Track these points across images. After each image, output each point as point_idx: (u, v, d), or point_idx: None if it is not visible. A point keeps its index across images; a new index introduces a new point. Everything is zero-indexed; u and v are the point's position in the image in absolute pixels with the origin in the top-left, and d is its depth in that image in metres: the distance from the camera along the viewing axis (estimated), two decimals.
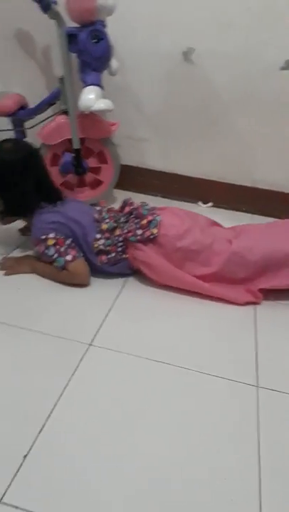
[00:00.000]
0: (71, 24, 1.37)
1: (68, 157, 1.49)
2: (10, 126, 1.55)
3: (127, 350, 0.94)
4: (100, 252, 1.16)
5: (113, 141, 1.57)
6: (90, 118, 1.44)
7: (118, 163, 1.60)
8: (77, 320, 1.03)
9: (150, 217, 1.16)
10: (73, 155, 1.48)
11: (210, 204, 1.79)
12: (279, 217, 1.70)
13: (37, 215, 1.16)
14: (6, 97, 1.50)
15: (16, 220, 1.24)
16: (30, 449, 0.70)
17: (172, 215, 1.21)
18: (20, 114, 1.50)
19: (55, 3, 1.36)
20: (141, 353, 0.93)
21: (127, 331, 1.00)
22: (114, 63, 1.46)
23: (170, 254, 1.14)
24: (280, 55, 1.48)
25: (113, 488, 0.66)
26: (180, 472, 0.70)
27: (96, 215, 1.20)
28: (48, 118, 1.51)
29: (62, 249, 1.12)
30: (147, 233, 1.14)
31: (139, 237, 1.14)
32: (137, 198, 1.75)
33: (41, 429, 0.74)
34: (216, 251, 1.15)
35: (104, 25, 1.37)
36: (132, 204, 1.23)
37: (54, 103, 1.50)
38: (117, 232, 1.17)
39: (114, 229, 1.17)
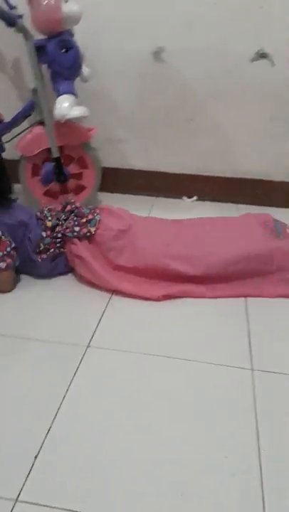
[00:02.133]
0: (38, 36, 1.39)
1: (49, 167, 1.52)
2: None
3: (124, 347, 0.97)
4: (40, 251, 1.20)
5: (92, 146, 1.59)
6: (67, 126, 1.46)
7: (99, 166, 1.63)
8: (73, 324, 1.05)
9: (90, 216, 1.22)
10: (53, 164, 1.51)
11: (194, 198, 1.82)
12: (264, 205, 1.74)
13: None
14: None
15: None
16: (39, 450, 0.73)
17: (112, 215, 1.26)
18: None
19: (21, 17, 1.39)
20: (137, 349, 0.96)
21: (122, 330, 1.03)
22: (85, 70, 1.48)
23: (105, 253, 1.19)
24: (249, 47, 1.51)
25: (123, 479, 0.69)
26: (186, 455, 0.73)
27: (38, 214, 1.24)
28: (25, 130, 1.53)
29: (0, 254, 1.13)
30: (84, 230, 1.19)
31: (75, 234, 1.19)
32: (122, 199, 1.80)
33: (48, 430, 0.77)
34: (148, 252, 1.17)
35: (71, 34, 1.40)
36: (73, 203, 1.27)
37: (29, 115, 1.52)
38: (57, 228, 1.21)
39: (55, 226, 1.21)
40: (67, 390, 0.85)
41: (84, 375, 0.89)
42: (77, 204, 1.26)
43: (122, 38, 1.58)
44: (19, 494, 0.67)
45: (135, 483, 0.69)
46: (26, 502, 0.66)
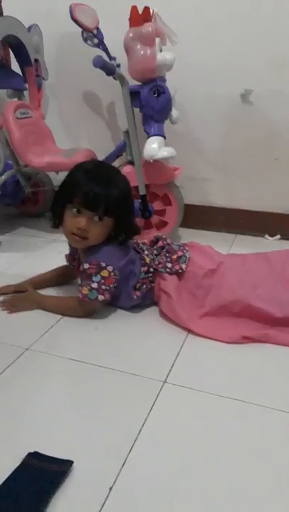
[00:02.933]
0: (133, 82, 1.50)
1: (136, 203, 1.59)
2: None
3: (202, 387, 0.96)
4: (136, 288, 1.20)
5: (176, 184, 1.65)
6: (154, 165, 1.54)
7: (182, 203, 1.68)
8: (151, 357, 1.07)
9: (180, 253, 1.22)
10: (140, 201, 1.58)
11: (277, 237, 1.79)
12: None
13: (113, 243, 1.18)
14: (77, 152, 1.66)
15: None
16: (114, 482, 0.74)
17: (201, 253, 1.26)
18: None
19: (119, 66, 1.52)
20: (215, 390, 0.95)
21: (200, 367, 1.03)
22: (174, 113, 1.56)
23: (193, 290, 1.19)
24: None
25: None
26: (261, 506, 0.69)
27: (135, 247, 1.25)
28: None
29: (103, 287, 1.14)
30: (176, 267, 1.19)
31: (168, 270, 1.20)
32: (202, 235, 1.82)
33: (124, 463, 0.78)
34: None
35: (164, 80, 1.49)
36: (165, 239, 1.29)
37: (121, 154, 1.62)
38: (150, 263, 1.22)
39: (150, 262, 1.22)
40: (144, 424, 0.86)
41: (161, 412, 0.90)
42: (168, 241, 1.28)
43: (210, 80, 1.65)
44: None
45: None
46: None
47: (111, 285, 1.15)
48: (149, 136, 1.50)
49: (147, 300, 1.26)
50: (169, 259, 1.22)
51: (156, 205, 1.66)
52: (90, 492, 0.73)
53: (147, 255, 1.23)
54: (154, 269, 1.22)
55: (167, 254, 1.23)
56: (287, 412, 0.88)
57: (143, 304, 1.27)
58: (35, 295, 1.28)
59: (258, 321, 1.14)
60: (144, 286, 1.21)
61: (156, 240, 1.30)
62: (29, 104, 1.72)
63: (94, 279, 1.14)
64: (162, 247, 1.26)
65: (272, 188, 1.74)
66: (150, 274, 1.22)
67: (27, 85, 1.74)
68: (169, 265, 1.20)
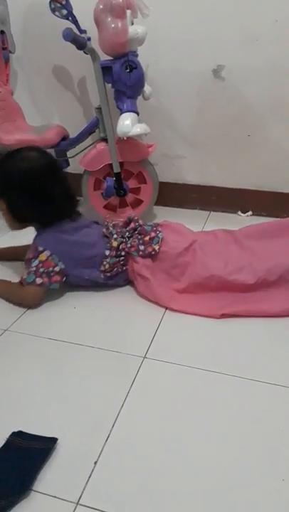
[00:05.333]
0: (104, 57, 1.46)
1: (110, 181, 1.58)
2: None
3: (181, 361, 0.98)
4: (104, 271, 1.21)
5: (150, 161, 1.64)
6: (128, 142, 1.52)
7: (156, 181, 1.67)
8: (130, 334, 1.09)
9: (153, 234, 1.22)
10: (114, 178, 1.57)
11: (249, 213, 1.82)
12: None
13: (52, 228, 1.18)
14: (48, 129, 1.62)
15: (26, 226, 1.24)
16: (99, 456, 0.76)
17: (174, 232, 1.27)
18: (62, 144, 1.61)
19: (89, 39, 1.47)
20: (194, 363, 0.98)
21: (178, 342, 1.05)
22: (147, 89, 1.54)
23: (168, 270, 1.20)
24: None
25: (175, 487, 0.70)
26: (238, 466, 0.73)
27: (104, 230, 1.25)
28: (89, 146, 1.61)
29: (41, 270, 1.15)
30: (149, 249, 1.20)
31: (141, 253, 1.20)
32: (176, 213, 1.83)
33: (108, 437, 0.80)
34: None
35: (136, 55, 1.46)
36: (137, 221, 1.28)
37: (93, 131, 1.59)
38: (121, 246, 1.22)
39: (120, 244, 1.22)
40: (125, 398, 0.88)
41: (141, 386, 0.92)
42: (141, 222, 1.28)
43: (182, 56, 1.63)
44: (80, 497, 0.70)
45: (191, 494, 0.70)
46: (86, 506, 0.69)
47: (50, 268, 1.16)
48: (121, 112, 1.48)
49: (120, 281, 1.27)
50: (141, 242, 1.22)
51: (131, 183, 1.65)
52: (75, 467, 0.75)
53: (115, 239, 1.22)
54: (126, 252, 1.22)
55: (139, 236, 1.23)
56: (264, 382, 0.92)
57: (118, 285, 1.27)
58: None
59: (234, 291, 1.17)
60: (115, 269, 1.22)
61: (129, 221, 1.30)
62: None
63: (33, 263, 1.16)
64: (134, 229, 1.26)
65: (244, 164, 1.75)
66: (122, 258, 1.22)
67: None
68: (142, 248, 1.21)
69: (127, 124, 1.45)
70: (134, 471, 0.74)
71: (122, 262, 1.23)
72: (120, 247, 1.22)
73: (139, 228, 1.25)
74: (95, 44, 1.45)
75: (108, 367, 0.98)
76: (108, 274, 1.22)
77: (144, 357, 1.00)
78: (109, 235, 1.24)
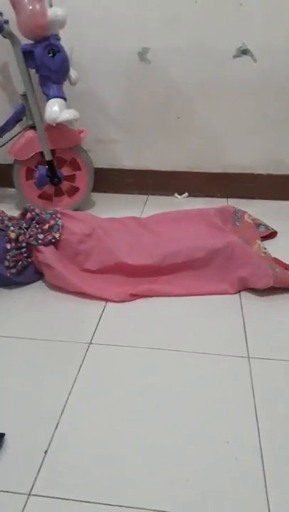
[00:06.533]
0: (25, 41, 1.41)
1: (42, 170, 1.54)
2: None
3: (125, 342, 1.00)
4: (9, 266, 1.18)
5: (84, 147, 1.62)
6: (58, 129, 1.49)
7: (91, 167, 1.65)
8: (74, 323, 1.08)
9: (52, 222, 1.22)
10: (47, 167, 1.53)
11: (186, 195, 1.85)
12: (253, 198, 1.78)
13: None
14: None
15: None
16: (49, 445, 0.76)
17: (73, 219, 1.27)
18: None
19: (7, 22, 1.41)
20: (139, 343, 0.99)
21: (123, 326, 1.06)
22: (73, 73, 1.50)
23: (72, 257, 1.21)
24: (231, 44, 1.54)
25: (130, 469, 0.72)
26: (190, 442, 0.76)
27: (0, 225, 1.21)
28: (17, 134, 1.55)
29: None
30: (49, 237, 1.19)
31: (40, 241, 1.18)
32: (114, 198, 1.83)
33: (57, 425, 0.79)
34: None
35: (58, 39, 1.42)
36: (33, 210, 1.25)
37: (21, 119, 1.54)
38: (20, 238, 1.19)
39: (18, 236, 1.19)
40: (73, 385, 0.88)
41: (88, 371, 0.92)
42: (37, 210, 1.25)
43: (107, 39, 1.61)
44: (32, 488, 0.69)
45: (143, 472, 0.72)
46: (39, 495, 0.68)
47: None
48: (48, 98, 1.44)
49: (30, 277, 1.23)
50: (40, 230, 1.19)
51: (65, 171, 1.62)
52: (25, 459, 0.74)
53: (13, 231, 1.19)
54: (26, 243, 1.19)
55: (37, 225, 1.20)
56: (193, 352, 0.96)
57: (30, 282, 1.24)
58: None
59: (144, 275, 1.20)
60: (20, 262, 1.19)
61: (25, 211, 1.26)
62: None
63: None
64: (32, 219, 1.22)
65: (177, 147, 1.78)
66: (24, 250, 1.19)
67: None
68: (41, 236, 1.19)
69: (55, 110, 1.41)
70: (85, 456, 0.74)
71: (25, 254, 1.20)
72: (20, 238, 1.19)
73: (36, 217, 1.22)
74: (13, 28, 1.39)
75: (53, 356, 0.97)
76: (14, 271, 1.18)
77: (90, 343, 1.00)
78: (5, 228, 1.19)
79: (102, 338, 1.02)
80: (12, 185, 1.63)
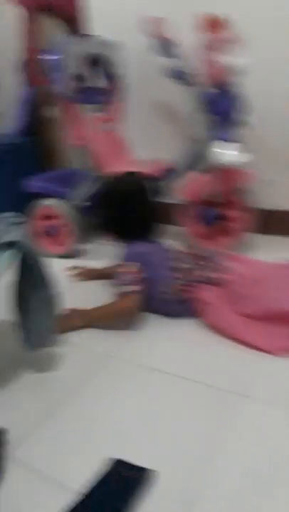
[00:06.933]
0: (207, 88, 1.50)
1: (209, 211, 1.59)
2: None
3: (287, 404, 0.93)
4: (175, 291, 1.21)
5: (250, 189, 1.61)
6: (228, 171, 1.52)
7: (255, 209, 1.63)
8: (234, 371, 1.05)
9: (223, 264, 1.22)
10: (213, 208, 1.57)
11: None
12: None
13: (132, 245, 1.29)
14: (153, 162, 1.69)
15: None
16: (196, 496, 0.73)
17: (245, 263, 1.25)
18: (166, 177, 1.67)
19: (192, 74, 1.53)
20: None
21: (286, 384, 0.99)
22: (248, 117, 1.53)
23: (235, 300, 1.16)
24: None
25: None
26: None
27: (176, 255, 1.28)
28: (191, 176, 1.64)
29: (132, 278, 1.20)
30: (216, 277, 1.19)
31: (208, 280, 1.20)
32: (276, 241, 1.75)
33: (205, 478, 0.77)
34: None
35: (237, 85, 1.47)
36: (208, 251, 1.30)
37: (196, 163, 1.62)
38: (191, 273, 1.22)
39: (188, 270, 1.22)
40: (226, 438, 0.85)
41: (243, 429, 0.88)
42: (212, 251, 1.30)
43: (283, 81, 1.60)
44: None
45: None
46: None
47: (137, 276, 1.21)
48: (222, 142, 1.48)
49: (188, 309, 1.23)
50: (210, 270, 1.22)
51: (229, 212, 1.63)
52: (171, 504, 0.72)
53: (186, 262, 1.24)
54: (194, 280, 1.22)
55: (209, 265, 1.24)
56: None
57: (181, 315, 1.25)
58: (81, 311, 1.24)
59: None
60: (178, 294, 1.22)
61: (203, 252, 1.31)
62: (111, 117, 1.78)
63: (124, 276, 1.22)
64: (204, 258, 1.26)
65: None
66: (186, 283, 1.22)
67: (110, 99, 1.80)
68: (209, 275, 1.21)
69: (228, 153, 1.46)
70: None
71: (187, 289, 1.22)
72: (191, 274, 1.22)
73: (209, 258, 1.26)
74: (197, 77, 1.49)
75: (208, 404, 0.94)
76: (168, 296, 1.22)
77: (248, 396, 0.96)
78: (180, 258, 1.26)
79: (262, 393, 0.96)
80: (181, 224, 1.71)
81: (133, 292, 1.21)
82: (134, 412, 0.93)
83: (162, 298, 1.24)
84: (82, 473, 0.77)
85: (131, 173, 1.41)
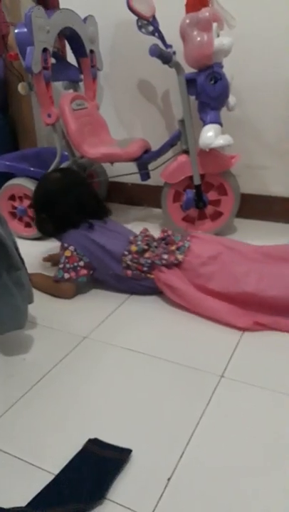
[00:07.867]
0: (188, 69, 1.47)
1: (190, 194, 1.57)
2: (135, 169, 1.70)
3: (259, 383, 0.94)
4: (127, 267, 1.24)
5: (232, 173, 1.60)
6: (210, 154, 1.50)
7: (238, 193, 1.63)
8: (208, 350, 1.06)
9: (180, 243, 1.23)
10: (194, 191, 1.56)
11: None
12: None
13: (77, 230, 1.30)
14: (131, 142, 1.66)
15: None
16: (172, 473, 0.75)
17: (203, 242, 1.25)
18: (144, 157, 1.64)
19: (174, 53, 1.49)
20: (275, 387, 0.93)
21: (259, 363, 1.01)
22: (231, 100, 1.51)
23: (192, 279, 1.18)
24: None
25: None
26: None
27: (131, 238, 1.30)
28: (170, 159, 1.62)
29: (68, 265, 1.25)
30: (172, 258, 1.20)
31: (164, 261, 1.20)
32: (258, 225, 1.77)
33: (181, 455, 0.78)
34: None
35: (221, 66, 1.45)
36: (166, 231, 1.31)
37: (175, 144, 1.60)
38: (147, 254, 1.23)
39: (143, 251, 1.24)
40: (201, 416, 0.86)
41: (217, 406, 0.89)
42: (170, 232, 1.31)
43: (269, 66, 1.59)
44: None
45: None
46: None
47: (75, 263, 1.26)
48: (205, 124, 1.47)
49: (147, 288, 1.26)
50: (166, 251, 1.23)
51: (211, 195, 1.63)
52: (148, 481, 0.74)
53: (137, 245, 1.25)
54: (151, 261, 1.23)
55: (165, 246, 1.25)
56: None
57: (146, 293, 1.28)
58: (40, 273, 1.37)
59: (269, 308, 1.11)
60: (139, 273, 1.24)
61: (162, 232, 1.32)
62: (84, 95, 1.74)
63: (61, 260, 1.27)
64: (162, 239, 1.28)
65: None
66: (147, 265, 1.23)
67: (82, 76, 1.76)
68: (165, 256, 1.22)
69: (210, 135, 1.44)
70: (206, 493, 0.71)
71: (145, 269, 1.23)
72: (146, 255, 1.24)
73: (167, 238, 1.27)
74: (179, 57, 1.46)
75: (185, 383, 0.96)
76: (130, 273, 1.24)
77: (222, 376, 0.97)
78: (134, 241, 1.27)
79: (235, 372, 0.98)
80: (159, 206, 1.70)
81: (68, 279, 1.26)
82: (109, 391, 0.95)
83: (118, 277, 1.27)
84: (58, 454, 0.78)
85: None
